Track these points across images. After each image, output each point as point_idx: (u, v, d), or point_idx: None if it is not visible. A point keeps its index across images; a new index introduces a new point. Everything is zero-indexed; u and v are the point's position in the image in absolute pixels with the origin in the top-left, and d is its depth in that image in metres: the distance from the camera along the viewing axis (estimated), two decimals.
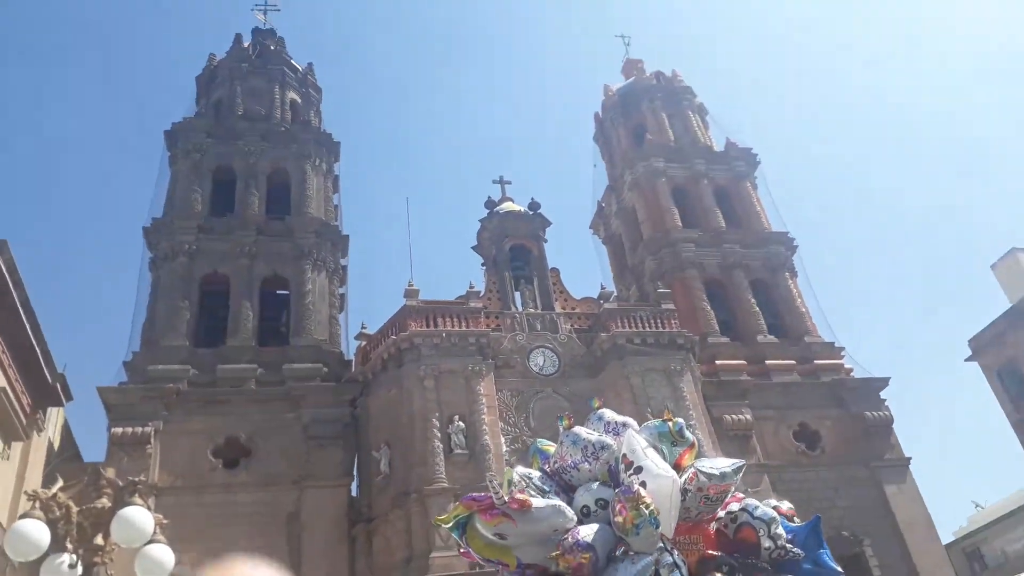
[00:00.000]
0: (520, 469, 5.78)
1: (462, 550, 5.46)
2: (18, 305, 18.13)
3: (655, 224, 32.97)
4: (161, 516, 8.73)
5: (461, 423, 22.39)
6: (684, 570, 4.82)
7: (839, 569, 5.54)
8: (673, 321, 26.77)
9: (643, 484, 4.98)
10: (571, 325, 26.54)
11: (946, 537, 30.56)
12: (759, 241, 32.58)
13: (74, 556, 7.27)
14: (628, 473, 5.17)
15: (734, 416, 26.20)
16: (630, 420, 5.98)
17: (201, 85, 35.50)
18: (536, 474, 5.70)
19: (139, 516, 7.40)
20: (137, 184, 79.48)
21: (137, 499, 7.73)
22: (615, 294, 30.15)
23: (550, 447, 6.15)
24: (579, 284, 56.15)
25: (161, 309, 25.63)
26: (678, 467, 5.49)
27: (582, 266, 68.42)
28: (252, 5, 38.73)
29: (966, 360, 29.72)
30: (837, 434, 27.25)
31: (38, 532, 7.03)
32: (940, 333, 75.94)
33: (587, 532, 4.94)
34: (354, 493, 23.42)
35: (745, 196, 34.60)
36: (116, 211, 76.77)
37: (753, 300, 30.58)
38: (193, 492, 21.72)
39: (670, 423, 5.70)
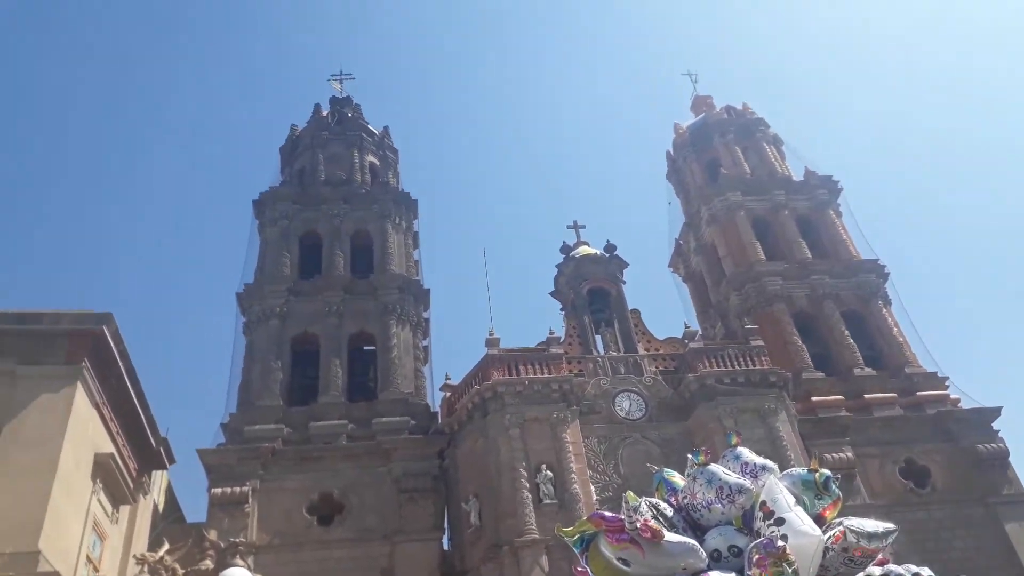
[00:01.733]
0: (648, 499, 5.46)
1: (579, 568, 5.20)
2: (124, 374, 19.21)
3: (737, 259, 32.33)
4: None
5: (549, 472, 22.17)
6: None
7: None
8: (763, 358, 25.99)
9: (784, 538, 4.69)
10: (656, 367, 26.11)
11: None
12: (848, 270, 31.48)
13: None
14: (768, 523, 4.88)
15: (835, 455, 24.99)
16: (770, 464, 5.67)
17: (284, 155, 37.33)
18: (667, 507, 5.42)
19: None
20: (229, 251, 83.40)
21: (239, 560, 7.96)
22: (700, 333, 29.50)
23: (677, 479, 5.86)
24: (661, 324, 55.51)
25: (255, 371, 26.63)
26: (820, 520, 5.16)
27: (663, 306, 67.50)
28: (328, 76, 40.75)
29: None
30: (948, 470, 25.65)
31: None
32: None
33: None
34: (446, 546, 23.45)
35: (829, 225, 33.62)
36: (210, 279, 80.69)
37: (847, 332, 29.43)
38: (290, 549, 22.16)
39: (816, 473, 5.40)
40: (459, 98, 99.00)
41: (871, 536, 4.94)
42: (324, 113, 38.59)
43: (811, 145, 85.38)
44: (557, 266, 29.54)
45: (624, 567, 4.78)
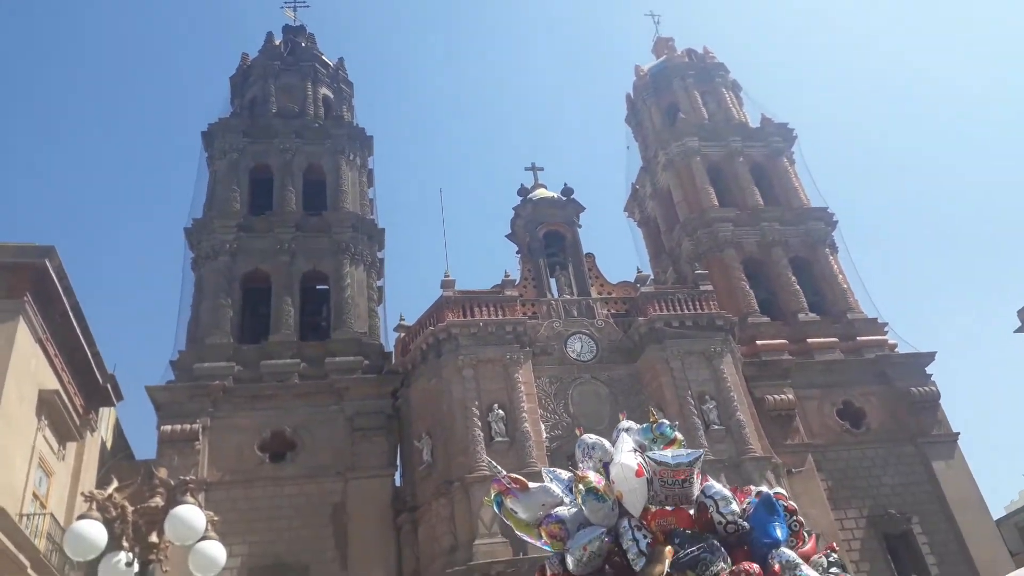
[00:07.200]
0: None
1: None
2: (68, 310, 18.81)
3: (691, 204, 32.62)
4: (212, 513, 8.96)
5: (501, 411, 22.56)
6: (642, 543, 5.59)
7: (779, 537, 5.81)
8: (712, 302, 26.54)
9: (608, 470, 6.08)
10: (608, 310, 26.51)
11: (997, 512, 29.87)
12: (798, 217, 32.05)
13: (131, 554, 7.36)
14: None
15: (776, 396, 25.94)
16: (633, 424, 6.85)
17: (235, 85, 36.04)
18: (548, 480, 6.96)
19: (191, 514, 7.50)
20: (177, 185, 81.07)
21: (189, 497, 7.90)
22: (651, 277, 29.90)
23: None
24: (615, 268, 56.05)
25: (205, 308, 26.24)
26: None
27: (618, 250, 68.21)
28: (282, 3, 39.18)
29: (1015, 332, 28.82)
30: (882, 411, 26.81)
31: (96, 532, 7.18)
32: (988, 304, 73.66)
33: (561, 510, 6.24)
34: (398, 483, 23.83)
35: (782, 172, 34.04)
36: (158, 213, 78.46)
37: (793, 278, 30.15)
38: (241, 486, 22.33)
39: (653, 423, 6.67)
40: (418, 33, 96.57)
41: (675, 463, 5.97)
42: (277, 42, 37.26)
43: (769, 91, 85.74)
44: (514, 208, 29.47)
45: (517, 515, 6.48)
